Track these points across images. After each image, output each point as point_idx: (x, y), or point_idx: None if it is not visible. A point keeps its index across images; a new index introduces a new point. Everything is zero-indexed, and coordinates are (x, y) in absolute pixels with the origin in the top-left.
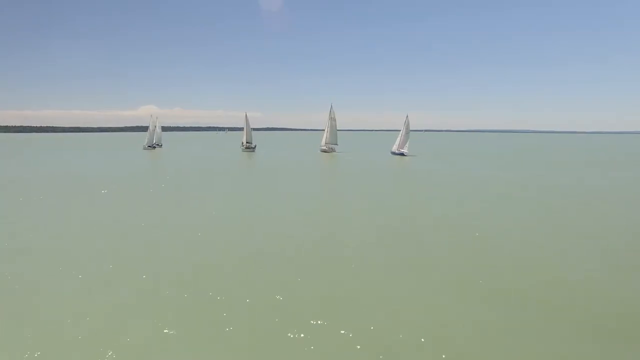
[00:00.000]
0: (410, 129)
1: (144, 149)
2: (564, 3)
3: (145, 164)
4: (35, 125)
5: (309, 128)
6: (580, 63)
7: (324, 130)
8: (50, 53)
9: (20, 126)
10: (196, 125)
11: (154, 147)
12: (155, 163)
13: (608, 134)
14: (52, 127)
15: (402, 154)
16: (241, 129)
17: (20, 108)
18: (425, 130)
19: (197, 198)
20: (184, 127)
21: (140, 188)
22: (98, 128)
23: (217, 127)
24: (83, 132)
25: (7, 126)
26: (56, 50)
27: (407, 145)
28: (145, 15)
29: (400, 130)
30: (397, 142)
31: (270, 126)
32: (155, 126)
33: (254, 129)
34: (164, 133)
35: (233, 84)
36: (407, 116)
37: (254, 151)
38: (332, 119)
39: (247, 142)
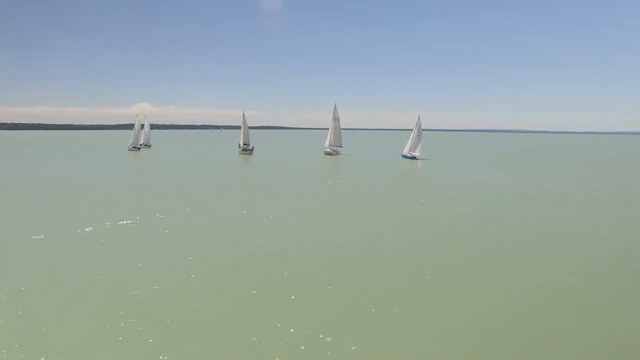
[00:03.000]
0: (410, 129)
1: (129, 150)
2: (564, 3)
3: (110, 172)
4: (26, 123)
5: (308, 127)
6: (580, 63)
7: (323, 129)
8: (50, 52)
9: (12, 123)
10: (191, 124)
11: (139, 148)
12: (132, 169)
13: (608, 134)
14: (45, 124)
15: (414, 158)
16: (238, 127)
17: (15, 105)
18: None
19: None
20: (178, 125)
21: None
22: (90, 126)
23: (212, 126)
24: (75, 129)
25: None
26: (55, 49)
27: (419, 147)
28: (145, 15)
29: (411, 130)
30: (408, 145)
31: (270, 125)
32: (143, 125)
33: (253, 128)
34: (156, 132)
35: (232, 83)
36: (419, 117)
37: (251, 154)
38: (336, 120)
39: (244, 144)
